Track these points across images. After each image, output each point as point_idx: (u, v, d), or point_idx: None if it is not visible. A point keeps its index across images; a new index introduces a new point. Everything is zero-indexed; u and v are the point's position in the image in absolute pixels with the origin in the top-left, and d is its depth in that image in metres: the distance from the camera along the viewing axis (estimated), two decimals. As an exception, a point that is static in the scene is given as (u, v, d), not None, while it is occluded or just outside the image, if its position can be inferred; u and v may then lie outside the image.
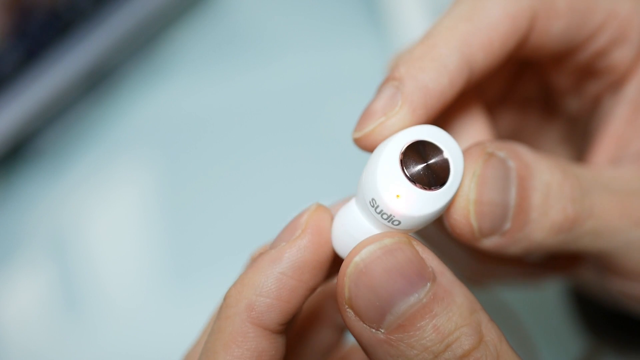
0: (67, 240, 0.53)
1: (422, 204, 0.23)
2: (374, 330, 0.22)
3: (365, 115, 0.25)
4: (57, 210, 0.54)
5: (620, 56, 0.29)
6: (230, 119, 0.58)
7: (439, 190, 0.24)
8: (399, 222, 0.23)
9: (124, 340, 0.48)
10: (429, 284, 0.22)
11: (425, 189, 0.23)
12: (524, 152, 0.26)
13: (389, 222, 0.24)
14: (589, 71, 0.30)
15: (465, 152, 0.25)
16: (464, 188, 0.24)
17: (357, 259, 0.22)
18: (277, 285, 0.23)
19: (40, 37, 0.55)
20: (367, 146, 0.25)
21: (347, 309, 0.22)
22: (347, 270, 0.22)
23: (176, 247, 0.52)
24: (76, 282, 0.51)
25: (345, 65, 0.59)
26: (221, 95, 0.59)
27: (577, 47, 0.29)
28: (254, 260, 0.24)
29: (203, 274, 0.51)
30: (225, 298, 0.24)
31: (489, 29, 0.26)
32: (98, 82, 0.58)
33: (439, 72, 0.25)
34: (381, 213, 0.24)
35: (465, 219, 0.24)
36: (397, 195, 0.23)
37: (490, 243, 0.25)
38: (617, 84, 0.29)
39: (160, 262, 0.52)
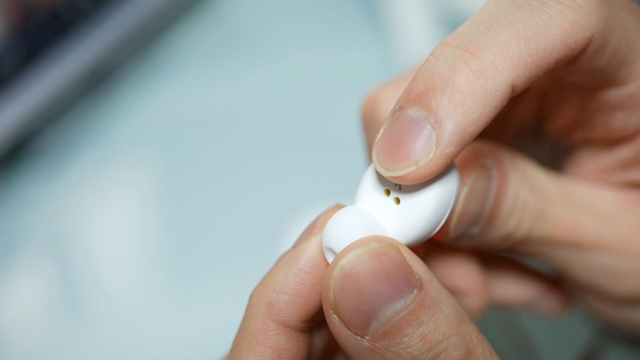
0: (67, 240, 0.53)
1: None
2: (359, 337, 0.21)
3: (397, 152, 0.22)
4: (57, 210, 0.54)
5: (621, 121, 0.26)
6: (231, 119, 0.58)
7: None
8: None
9: (124, 340, 0.48)
10: (415, 291, 0.21)
11: None
12: (504, 158, 0.25)
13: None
14: (585, 119, 0.28)
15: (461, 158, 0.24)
16: None
17: (343, 262, 0.21)
18: (295, 282, 0.23)
19: (40, 37, 0.55)
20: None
21: (332, 315, 0.22)
22: (333, 274, 0.22)
23: (176, 247, 0.52)
24: (76, 282, 0.51)
25: (345, 65, 0.59)
26: (221, 95, 0.59)
27: (592, 88, 0.26)
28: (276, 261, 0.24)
29: (203, 274, 0.51)
30: (249, 299, 0.24)
31: (543, 56, 0.22)
32: (98, 82, 0.58)
33: (482, 112, 0.21)
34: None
35: (446, 225, 0.24)
36: None
37: (453, 240, 0.25)
38: (608, 145, 0.28)
39: (160, 262, 0.52)
